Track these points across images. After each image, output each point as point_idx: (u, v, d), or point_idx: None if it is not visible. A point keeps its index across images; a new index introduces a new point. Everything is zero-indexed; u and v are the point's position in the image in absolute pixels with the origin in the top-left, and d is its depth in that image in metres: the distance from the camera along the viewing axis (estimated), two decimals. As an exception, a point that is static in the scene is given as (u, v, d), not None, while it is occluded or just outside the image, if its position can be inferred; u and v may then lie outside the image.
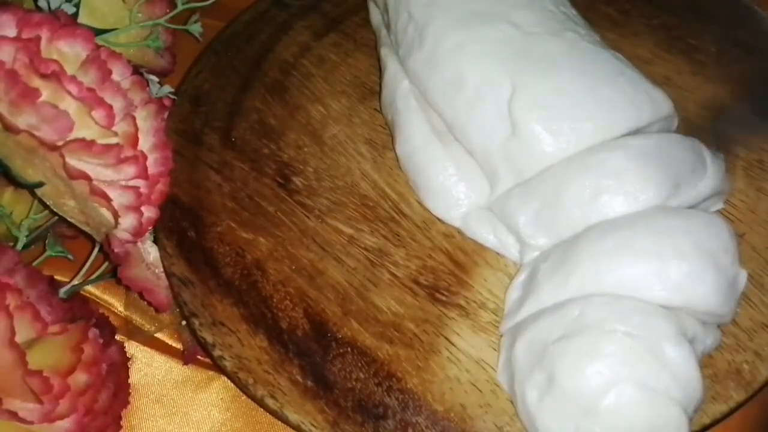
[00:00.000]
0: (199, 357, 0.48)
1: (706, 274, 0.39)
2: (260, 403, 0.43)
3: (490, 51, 0.47)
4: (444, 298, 0.46)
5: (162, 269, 0.47)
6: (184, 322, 0.46)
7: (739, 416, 0.42)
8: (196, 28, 0.56)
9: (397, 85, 0.50)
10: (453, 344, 0.44)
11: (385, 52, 0.53)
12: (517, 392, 0.41)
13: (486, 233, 0.47)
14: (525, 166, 0.44)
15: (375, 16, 0.57)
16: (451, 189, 0.47)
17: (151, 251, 0.47)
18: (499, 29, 0.47)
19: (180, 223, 0.48)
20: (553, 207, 0.43)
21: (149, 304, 0.47)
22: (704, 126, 0.52)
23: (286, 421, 0.42)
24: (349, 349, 0.44)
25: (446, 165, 0.48)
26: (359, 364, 0.43)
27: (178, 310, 0.46)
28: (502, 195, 0.45)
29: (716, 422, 0.41)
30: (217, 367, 0.45)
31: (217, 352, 0.44)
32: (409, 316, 0.45)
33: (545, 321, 0.40)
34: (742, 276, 0.41)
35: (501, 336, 0.44)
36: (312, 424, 0.41)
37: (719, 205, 0.47)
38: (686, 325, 0.39)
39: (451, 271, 0.47)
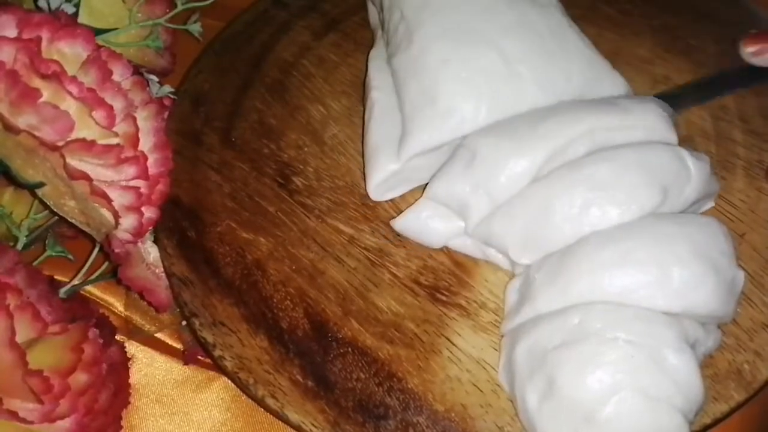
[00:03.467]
0: (199, 357, 0.48)
1: (706, 279, 0.39)
2: (261, 403, 0.43)
3: (471, 79, 0.46)
4: (444, 298, 0.46)
5: (162, 269, 0.47)
6: (184, 322, 0.46)
7: (739, 416, 0.42)
8: (196, 28, 0.56)
9: (367, 95, 0.50)
10: (454, 344, 0.44)
11: (372, 54, 0.53)
12: (517, 395, 0.40)
13: (473, 253, 0.47)
14: (495, 190, 0.43)
15: (373, 16, 0.57)
16: (427, 224, 0.46)
17: (151, 251, 0.47)
18: (487, 57, 0.46)
19: (180, 223, 0.48)
20: (541, 225, 0.42)
21: (149, 304, 0.47)
22: (704, 125, 0.52)
23: (286, 421, 0.42)
24: (349, 349, 0.44)
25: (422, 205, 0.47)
26: (360, 364, 0.43)
27: (178, 310, 0.46)
28: (482, 222, 0.44)
29: (717, 422, 0.41)
30: (218, 367, 0.45)
31: (217, 352, 0.44)
32: (410, 316, 0.45)
33: (545, 327, 0.40)
34: (740, 276, 0.41)
35: (502, 336, 0.44)
36: (312, 424, 0.41)
37: (710, 204, 0.47)
38: (688, 329, 0.39)
39: (451, 270, 0.47)
